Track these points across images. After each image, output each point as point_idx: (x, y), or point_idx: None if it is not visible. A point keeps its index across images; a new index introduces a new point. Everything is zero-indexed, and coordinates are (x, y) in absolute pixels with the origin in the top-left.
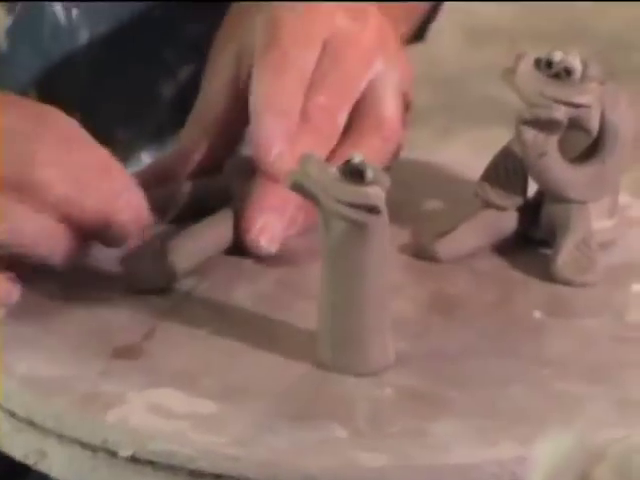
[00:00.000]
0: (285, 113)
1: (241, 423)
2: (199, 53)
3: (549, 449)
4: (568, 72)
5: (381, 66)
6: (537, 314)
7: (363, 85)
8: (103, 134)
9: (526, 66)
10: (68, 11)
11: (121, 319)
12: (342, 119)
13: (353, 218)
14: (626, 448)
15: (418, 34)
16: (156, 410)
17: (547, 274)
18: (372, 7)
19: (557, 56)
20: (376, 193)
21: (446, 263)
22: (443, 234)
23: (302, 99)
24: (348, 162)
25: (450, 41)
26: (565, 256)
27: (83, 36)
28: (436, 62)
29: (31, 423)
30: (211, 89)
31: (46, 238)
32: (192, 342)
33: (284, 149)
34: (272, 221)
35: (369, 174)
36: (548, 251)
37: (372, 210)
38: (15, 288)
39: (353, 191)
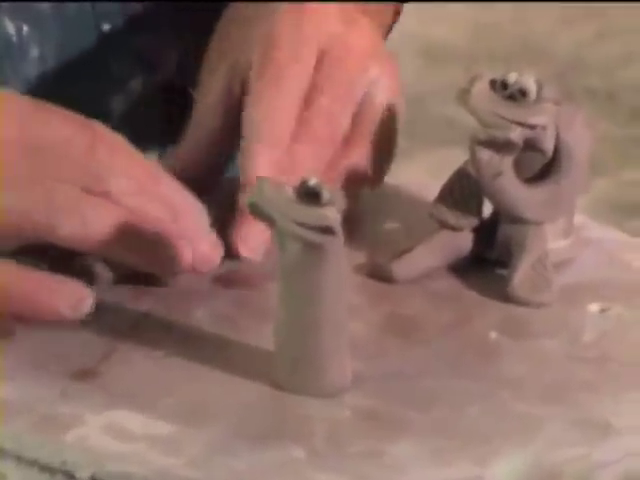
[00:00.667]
0: (274, 144)
1: (198, 444)
2: (146, 65)
3: (506, 470)
4: (523, 93)
5: (375, 72)
6: (493, 335)
7: (363, 90)
8: None
9: (481, 87)
10: (19, 28)
11: (78, 340)
12: (345, 123)
13: (309, 239)
14: (584, 468)
15: None
16: (114, 431)
17: (503, 294)
18: (360, 14)
19: (512, 77)
20: (332, 214)
21: (402, 284)
22: (399, 255)
23: (294, 125)
24: (304, 183)
25: (407, 63)
26: (521, 276)
27: (33, 52)
28: None
29: None
30: (204, 104)
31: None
32: (150, 363)
33: (253, 231)
34: (254, 231)
35: (325, 195)
36: (504, 271)
37: (327, 231)
38: (88, 296)
39: (309, 212)
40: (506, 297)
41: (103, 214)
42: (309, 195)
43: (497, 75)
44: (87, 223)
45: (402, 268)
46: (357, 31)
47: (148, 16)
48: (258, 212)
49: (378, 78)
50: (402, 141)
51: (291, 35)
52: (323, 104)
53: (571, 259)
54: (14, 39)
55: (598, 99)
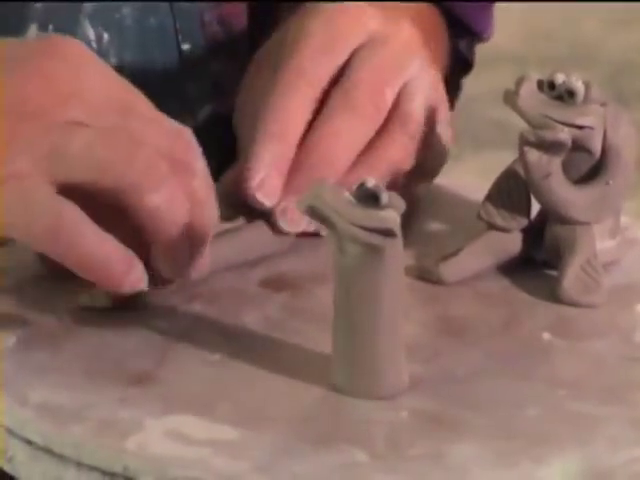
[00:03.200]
0: (281, 139)
1: (262, 448)
2: (220, 92)
3: (568, 470)
4: (571, 94)
5: (415, 68)
6: (546, 335)
7: (404, 77)
8: None
9: (529, 88)
10: (99, 35)
11: (132, 345)
12: (390, 95)
13: (369, 242)
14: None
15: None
16: (175, 436)
17: (552, 295)
18: (404, 17)
19: (559, 78)
20: (391, 216)
21: (451, 285)
22: (447, 256)
23: (305, 124)
24: (362, 186)
25: None
26: (571, 277)
27: (112, 61)
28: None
29: (49, 451)
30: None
31: None
32: (205, 368)
33: (269, 177)
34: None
35: (383, 198)
36: (552, 272)
37: (388, 234)
38: (143, 274)
39: (369, 215)
40: (556, 298)
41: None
42: (368, 197)
43: (544, 76)
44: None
45: (450, 270)
46: (398, 29)
47: (228, 42)
48: (316, 215)
49: (417, 74)
50: (453, 144)
51: (320, 34)
52: (364, 77)
53: (618, 259)
54: (94, 45)
55: None
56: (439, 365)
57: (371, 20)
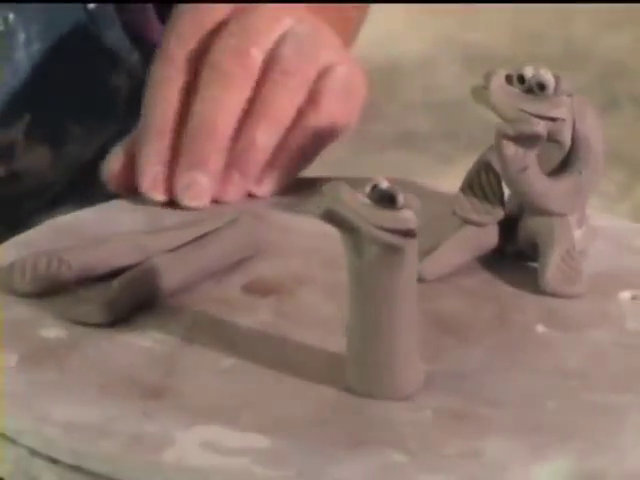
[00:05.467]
0: (158, 134)
1: (300, 455)
2: (140, 42)
3: (606, 459)
4: (541, 86)
5: (329, 59)
6: (540, 328)
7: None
8: (58, 130)
9: (498, 83)
10: (4, 17)
11: (135, 358)
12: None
13: (391, 243)
14: None
15: None
16: (210, 447)
17: (535, 287)
18: (311, 14)
19: (529, 71)
20: (411, 217)
21: (431, 282)
22: (425, 253)
23: (178, 107)
24: (375, 187)
25: (447, 68)
26: (553, 268)
27: (21, 38)
28: (435, 89)
29: (77, 469)
30: None
31: None
32: (217, 376)
33: (159, 174)
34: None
35: (400, 199)
36: (529, 263)
37: (408, 234)
38: None
39: (389, 216)
40: (539, 290)
41: None
42: (382, 198)
43: (512, 70)
44: None
45: (430, 266)
46: (308, 25)
47: None
48: (335, 218)
49: (333, 65)
50: (442, 145)
51: (238, 36)
52: (277, 79)
53: (586, 249)
54: (1, 27)
55: None
56: (444, 363)
57: (283, 21)
